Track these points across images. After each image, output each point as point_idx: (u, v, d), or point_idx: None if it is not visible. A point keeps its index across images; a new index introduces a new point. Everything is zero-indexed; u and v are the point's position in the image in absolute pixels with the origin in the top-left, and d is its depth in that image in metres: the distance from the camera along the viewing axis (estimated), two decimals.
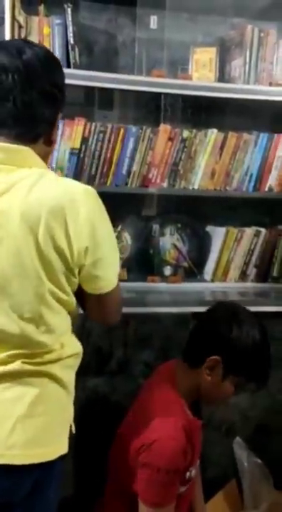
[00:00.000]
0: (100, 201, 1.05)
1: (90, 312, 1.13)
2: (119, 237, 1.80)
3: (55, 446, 1.06)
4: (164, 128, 1.72)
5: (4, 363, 1.01)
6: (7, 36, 1.45)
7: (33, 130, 1.02)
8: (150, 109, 1.79)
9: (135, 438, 1.23)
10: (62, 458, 1.08)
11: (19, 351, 1.01)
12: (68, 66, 1.45)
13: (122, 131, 1.68)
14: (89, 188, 1.02)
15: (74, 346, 1.11)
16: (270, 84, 1.75)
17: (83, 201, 0.99)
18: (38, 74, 0.99)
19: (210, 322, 1.31)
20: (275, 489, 1.68)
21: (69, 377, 1.10)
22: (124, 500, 1.29)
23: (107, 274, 1.07)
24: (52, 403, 1.05)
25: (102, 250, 1.04)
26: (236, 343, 1.24)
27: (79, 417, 1.58)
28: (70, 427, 1.11)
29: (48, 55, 1.04)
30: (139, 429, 1.24)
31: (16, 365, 1.01)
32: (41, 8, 1.56)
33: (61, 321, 1.06)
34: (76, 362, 1.13)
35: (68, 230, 0.96)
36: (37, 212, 0.95)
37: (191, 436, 1.24)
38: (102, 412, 1.62)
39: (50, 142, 1.07)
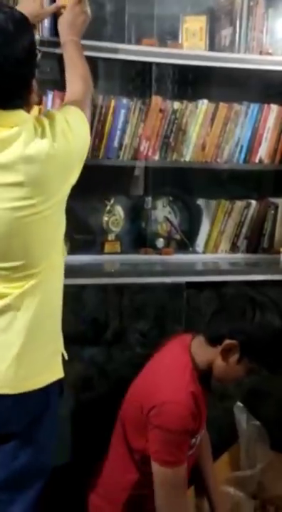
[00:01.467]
0: None
1: None
2: (111, 211, 1.81)
3: (47, 374, 1.16)
4: (155, 99, 1.72)
5: None
6: None
7: (13, 95, 1.03)
8: (140, 80, 1.77)
9: (146, 399, 1.27)
10: (58, 386, 1.19)
11: None
12: (56, 35, 1.43)
13: (113, 102, 1.67)
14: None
15: None
16: (261, 53, 1.74)
17: None
18: (12, 37, 0.99)
19: (234, 306, 1.32)
20: (271, 450, 1.75)
21: None
22: (132, 459, 1.33)
23: None
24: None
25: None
26: (257, 331, 1.25)
27: (76, 386, 1.63)
28: (62, 354, 1.21)
29: (15, 21, 1.02)
30: (150, 390, 1.27)
31: None
32: None
33: None
34: None
35: None
36: None
37: (199, 403, 1.28)
38: (99, 381, 1.66)
39: (29, 107, 1.09)
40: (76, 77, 1.30)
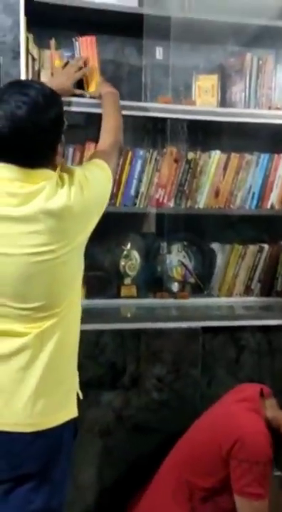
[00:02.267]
0: None
1: None
2: (128, 256, 1.87)
3: (63, 412, 1.19)
4: (170, 150, 1.81)
5: None
6: (22, 68, 1.53)
7: (40, 158, 1.15)
8: (156, 133, 1.87)
9: (223, 437, 1.29)
10: (73, 426, 1.21)
11: None
12: (80, 88, 1.57)
13: (130, 153, 1.76)
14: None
15: None
16: (270, 108, 1.84)
17: None
18: (41, 110, 1.12)
19: None
20: None
21: None
22: (188, 499, 1.35)
23: None
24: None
25: None
26: None
27: (94, 431, 1.64)
28: (77, 393, 1.25)
29: (45, 95, 1.15)
30: (226, 429, 1.30)
31: None
32: (52, 42, 1.66)
33: None
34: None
35: None
36: None
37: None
38: (116, 426, 1.66)
39: (54, 166, 1.20)
40: (107, 129, 1.42)
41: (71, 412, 1.23)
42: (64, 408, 1.21)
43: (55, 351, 1.17)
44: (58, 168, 1.21)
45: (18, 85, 1.16)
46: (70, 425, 1.22)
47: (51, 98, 1.16)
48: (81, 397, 1.28)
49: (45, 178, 1.14)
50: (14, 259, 1.11)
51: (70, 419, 1.21)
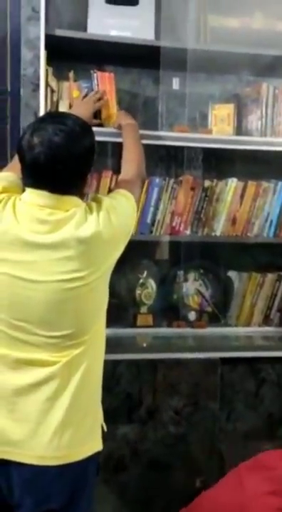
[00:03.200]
0: None
1: None
2: (144, 284, 1.85)
3: (88, 444, 1.17)
4: (187, 178, 1.81)
5: None
6: (41, 99, 1.57)
7: (71, 185, 1.16)
8: (173, 161, 1.88)
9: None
10: (96, 460, 1.19)
11: None
12: (98, 123, 1.59)
13: (146, 182, 1.76)
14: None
15: None
16: None
17: None
18: (77, 138, 1.15)
19: None
20: None
21: None
22: None
23: None
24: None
25: None
26: None
27: (109, 466, 1.58)
28: (102, 426, 1.23)
29: (80, 124, 1.19)
30: None
31: None
32: (71, 74, 1.70)
33: None
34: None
35: None
36: None
37: None
38: (131, 461, 1.60)
39: (82, 195, 1.22)
40: (129, 160, 1.44)
41: (96, 444, 1.20)
42: (90, 440, 1.18)
43: (82, 381, 1.15)
44: (88, 197, 1.24)
45: (55, 115, 1.24)
46: (95, 459, 1.19)
47: (86, 128, 1.21)
48: (105, 429, 1.25)
49: (74, 205, 1.16)
50: (44, 286, 1.11)
51: (95, 453, 1.18)
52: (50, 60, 1.61)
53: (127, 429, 1.56)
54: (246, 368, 1.69)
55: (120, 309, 1.80)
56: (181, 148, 1.82)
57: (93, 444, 1.19)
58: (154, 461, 1.61)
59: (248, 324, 1.88)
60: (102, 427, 1.24)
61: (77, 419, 1.15)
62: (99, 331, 1.22)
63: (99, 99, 1.63)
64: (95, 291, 1.16)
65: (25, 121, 1.49)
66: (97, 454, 1.20)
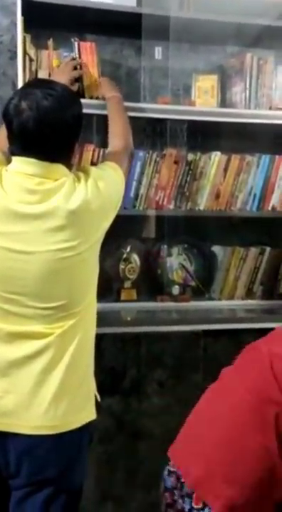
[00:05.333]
0: None
1: None
2: (128, 259, 1.84)
3: (83, 414, 1.19)
4: (170, 152, 1.78)
5: None
6: (19, 68, 1.52)
7: (60, 153, 1.16)
8: (156, 134, 1.85)
9: None
10: (89, 431, 1.21)
11: None
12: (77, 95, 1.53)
13: (131, 159, 1.73)
14: None
15: None
16: (270, 108, 1.82)
17: None
18: (66, 104, 1.15)
19: None
20: None
21: None
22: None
23: None
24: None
25: None
26: None
27: (94, 437, 1.61)
28: (95, 395, 1.26)
29: (68, 92, 1.19)
30: None
31: None
32: (50, 42, 1.64)
33: None
34: None
35: None
36: None
37: None
38: (116, 432, 1.63)
39: (70, 166, 1.21)
40: (116, 133, 1.43)
41: (91, 414, 1.23)
42: (84, 410, 1.21)
43: (76, 352, 1.17)
44: (74, 168, 1.23)
45: (43, 80, 1.26)
46: (88, 429, 1.22)
47: (74, 96, 1.24)
48: (99, 399, 1.28)
49: (63, 174, 1.16)
50: (36, 257, 1.11)
51: (88, 422, 1.21)
52: (28, 27, 1.56)
53: (111, 401, 1.59)
54: (228, 340, 1.72)
55: (104, 284, 1.79)
56: (165, 120, 1.79)
57: (88, 414, 1.22)
58: (138, 432, 1.64)
59: (231, 298, 1.90)
60: (96, 397, 1.27)
61: (72, 390, 1.17)
62: (91, 302, 1.24)
63: (75, 68, 1.57)
64: (86, 261, 1.17)
65: (3, 90, 1.46)
66: (91, 423, 1.23)
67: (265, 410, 1.03)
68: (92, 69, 1.61)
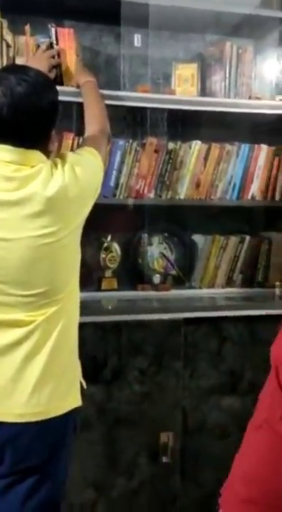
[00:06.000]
0: None
1: None
2: (108, 248, 1.84)
3: (68, 400, 1.19)
4: (150, 141, 1.78)
5: None
6: None
7: (36, 140, 1.15)
8: (136, 123, 1.84)
9: None
10: (74, 418, 1.22)
11: None
12: (55, 83, 1.51)
13: (109, 144, 1.73)
14: None
15: None
16: (250, 97, 1.83)
17: None
18: (41, 90, 1.13)
19: None
20: None
21: None
22: None
23: None
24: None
25: None
26: None
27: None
28: (81, 382, 1.26)
29: (43, 78, 1.18)
30: None
31: None
32: (27, 28, 1.61)
33: None
34: None
35: None
36: None
37: None
38: (98, 420, 1.64)
39: (47, 153, 1.20)
40: (92, 118, 1.41)
41: (75, 400, 1.23)
42: (69, 396, 1.21)
43: (59, 339, 1.17)
44: (53, 155, 1.22)
45: (17, 66, 1.24)
46: (73, 416, 1.22)
47: (50, 81, 1.21)
48: (85, 386, 1.28)
49: (40, 160, 1.14)
50: (17, 244, 1.11)
51: (73, 409, 1.21)
52: (4, 13, 1.53)
53: (92, 389, 1.59)
54: (208, 328, 1.74)
55: (85, 273, 1.79)
56: (145, 109, 1.79)
57: (72, 400, 1.22)
58: (120, 419, 1.65)
59: (211, 286, 1.92)
60: (82, 384, 1.27)
61: (55, 377, 1.17)
62: (73, 289, 1.24)
63: (53, 57, 1.56)
64: (67, 248, 1.17)
65: None
66: (76, 410, 1.23)
67: None
68: (70, 56, 1.58)
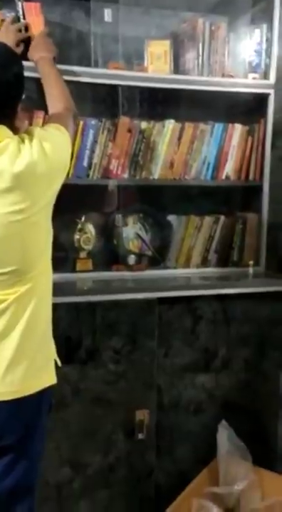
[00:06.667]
0: None
1: None
2: (83, 229, 1.83)
3: (42, 378, 1.20)
4: (123, 120, 1.76)
5: None
6: None
7: (1, 114, 1.13)
8: (108, 102, 1.82)
9: None
10: (49, 397, 1.22)
11: None
12: (23, 58, 1.47)
13: (81, 123, 1.70)
14: None
15: None
16: (223, 75, 1.82)
17: None
18: (5, 63, 1.11)
19: None
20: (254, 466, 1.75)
21: None
22: None
23: None
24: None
25: None
26: None
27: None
28: (55, 360, 1.27)
29: (8, 50, 1.15)
30: None
31: None
32: None
33: None
34: None
35: None
36: None
37: None
38: (72, 399, 1.65)
39: (14, 130, 1.17)
40: (55, 94, 1.38)
41: (50, 378, 1.24)
42: (44, 374, 1.22)
43: (31, 318, 1.16)
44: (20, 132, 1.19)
45: None
46: (48, 395, 1.22)
47: (14, 55, 1.18)
48: (59, 364, 1.29)
49: (6, 136, 1.12)
50: None
51: (48, 388, 1.22)
52: None
53: (67, 369, 1.60)
54: (183, 307, 1.75)
55: (60, 255, 1.78)
56: (117, 88, 1.76)
57: (48, 377, 1.23)
58: (95, 398, 1.67)
59: (186, 266, 1.93)
60: (56, 362, 1.28)
61: (29, 356, 1.17)
62: (46, 267, 1.23)
63: (20, 31, 1.51)
64: (37, 225, 1.15)
65: None
66: (51, 388, 1.23)
67: None
68: (38, 31, 1.54)
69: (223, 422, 1.77)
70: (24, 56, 1.49)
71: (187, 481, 1.74)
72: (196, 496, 1.65)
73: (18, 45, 1.48)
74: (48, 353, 1.26)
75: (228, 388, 1.84)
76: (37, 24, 1.55)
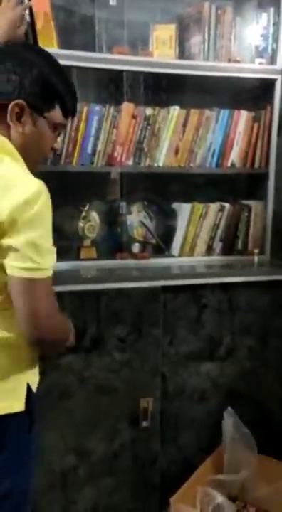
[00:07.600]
0: None
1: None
2: (87, 217, 1.82)
3: (6, 402, 1.10)
4: (127, 106, 1.73)
5: None
6: None
7: None
8: (113, 87, 1.79)
9: None
10: (24, 419, 1.12)
11: None
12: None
13: (85, 109, 1.68)
14: None
15: None
16: (229, 60, 1.79)
17: None
18: None
19: None
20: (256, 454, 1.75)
21: None
22: None
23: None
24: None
25: None
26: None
27: (54, 394, 1.62)
28: (29, 385, 1.14)
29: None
30: None
31: None
32: None
33: None
34: None
35: None
36: None
37: None
38: (77, 388, 1.65)
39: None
40: None
41: (17, 404, 1.12)
42: (9, 399, 1.12)
43: None
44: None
45: None
46: (18, 421, 1.13)
47: None
48: (34, 390, 1.17)
49: None
50: None
51: (14, 413, 1.11)
52: None
53: (71, 358, 1.59)
54: (187, 295, 1.74)
55: (63, 243, 1.78)
56: (121, 73, 1.74)
57: (12, 403, 1.12)
58: (100, 386, 1.67)
59: (191, 255, 1.92)
60: (30, 387, 1.15)
61: None
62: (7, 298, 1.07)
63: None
64: None
65: None
66: (20, 414, 1.13)
67: None
68: (47, 13, 1.51)
69: (229, 409, 1.77)
70: (26, 38, 1.46)
71: (192, 468, 1.74)
72: (201, 484, 1.65)
73: (19, 25, 1.43)
74: (18, 382, 1.13)
75: (232, 377, 1.84)
76: (42, 5, 1.51)
